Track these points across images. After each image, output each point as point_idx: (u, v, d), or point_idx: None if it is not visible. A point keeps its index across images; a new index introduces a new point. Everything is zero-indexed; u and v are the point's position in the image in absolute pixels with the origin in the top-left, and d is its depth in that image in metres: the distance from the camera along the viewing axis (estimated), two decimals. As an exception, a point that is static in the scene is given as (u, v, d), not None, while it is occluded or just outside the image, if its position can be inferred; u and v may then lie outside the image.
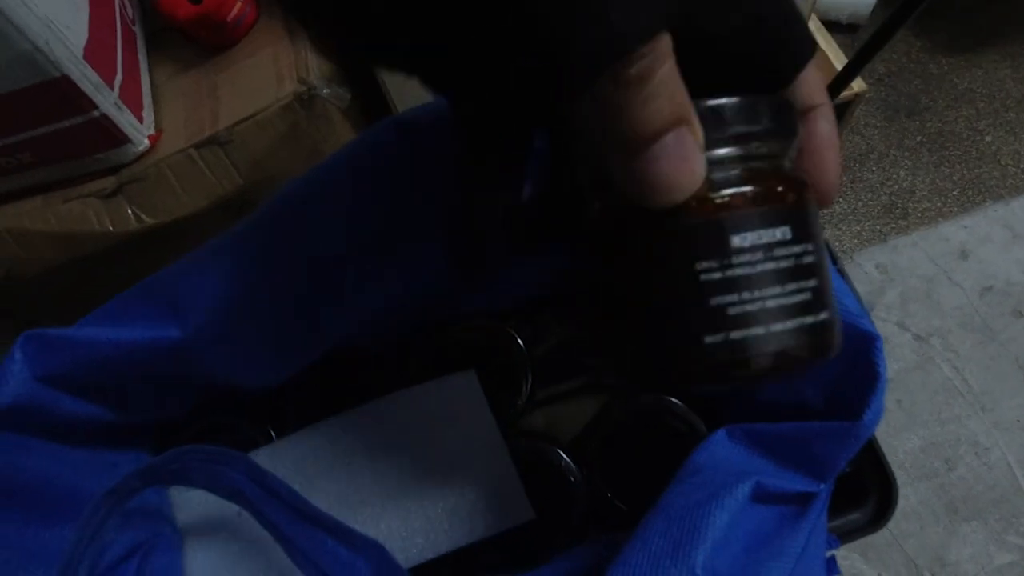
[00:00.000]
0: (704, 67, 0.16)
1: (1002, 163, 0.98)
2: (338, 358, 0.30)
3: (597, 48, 0.13)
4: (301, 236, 0.25)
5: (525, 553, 0.29)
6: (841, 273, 0.26)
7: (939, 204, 0.96)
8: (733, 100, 0.16)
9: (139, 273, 0.29)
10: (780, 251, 0.16)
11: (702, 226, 0.16)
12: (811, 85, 0.18)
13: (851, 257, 0.95)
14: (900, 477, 0.86)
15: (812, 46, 0.17)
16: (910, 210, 0.97)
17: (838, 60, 1.04)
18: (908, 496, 0.83)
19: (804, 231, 0.17)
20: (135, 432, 0.29)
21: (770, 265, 0.16)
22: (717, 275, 0.16)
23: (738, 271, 0.16)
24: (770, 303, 0.16)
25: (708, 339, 0.16)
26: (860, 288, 0.93)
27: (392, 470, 0.29)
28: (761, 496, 0.22)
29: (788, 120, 0.17)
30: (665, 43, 0.14)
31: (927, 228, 0.94)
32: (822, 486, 0.23)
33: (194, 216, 0.54)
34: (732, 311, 0.16)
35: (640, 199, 0.15)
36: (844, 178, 1.02)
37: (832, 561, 0.25)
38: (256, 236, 0.24)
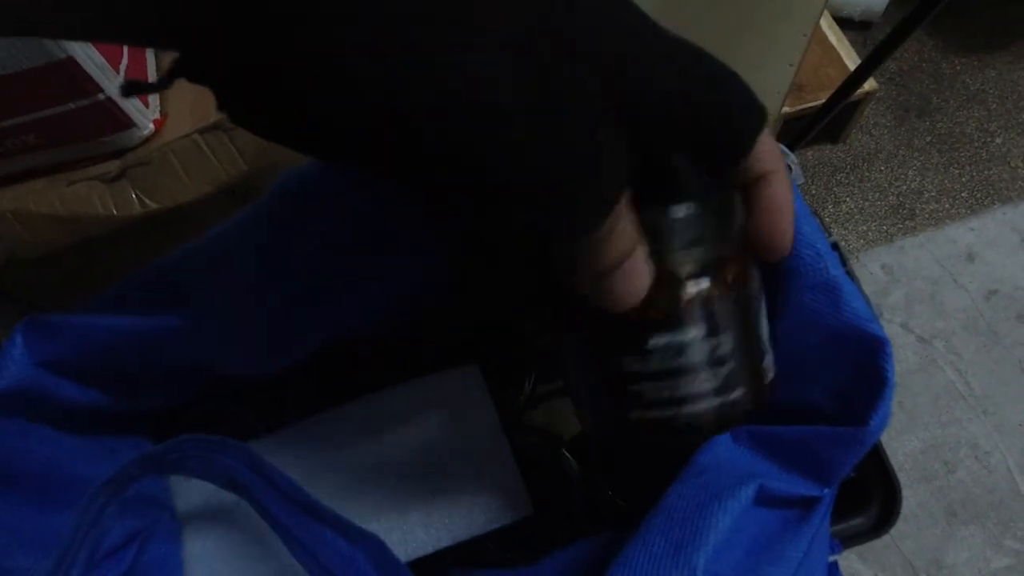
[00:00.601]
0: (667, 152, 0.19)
1: (1012, 165, 0.97)
2: (340, 349, 0.30)
3: (585, 217, 0.17)
4: (304, 225, 0.24)
5: (524, 548, 0.28)
6: (850, 275, 0.26)
7: (947, 206, 0.96)
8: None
9: (142, 257, 0.29)
10: (693, 348, 0.20)
11: (626, 328, 0.20)
12: (765, 152, 0.20)
13: (856, 257, 0.94)
14: (899, 479, 0.85)
15: (763, 117, 0.19)
16: (917, 211, 0.96)
17: (850, 58, 1.03)
18: (907, 498, 0.83)
19: (719, 325, 0.20)
20: (135, 419, 0.29)
21: (681, 360, 0.19)
22: (637, 367, 0.20)
23: (653, 365, 0.19)
24: (682, 391, 0.20)
25: (632, 415, 0.20)
26: (865, 289, 0.93)
27: (393, 463, 0.29)
28: (764, 499, 0.22)
29: (697, 229, 0.20)
30: (624, 199, 0.17)
31: (934, 230, 0.94)
32: (826, 491, 0.23)
33: (198, 201, 0.54)
34: (648, 396, 0.20)
35: (609, 306, 0.19)
36: (852, 177, 1.01)
37: (834, 566, 0.25)
38: (259, 225, 0.24)
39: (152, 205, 0.52)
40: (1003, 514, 0.82)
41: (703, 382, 0.20)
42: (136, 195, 0.51)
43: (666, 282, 0.19)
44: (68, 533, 0.21)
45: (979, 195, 0.95)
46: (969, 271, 0.92)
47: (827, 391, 0.25)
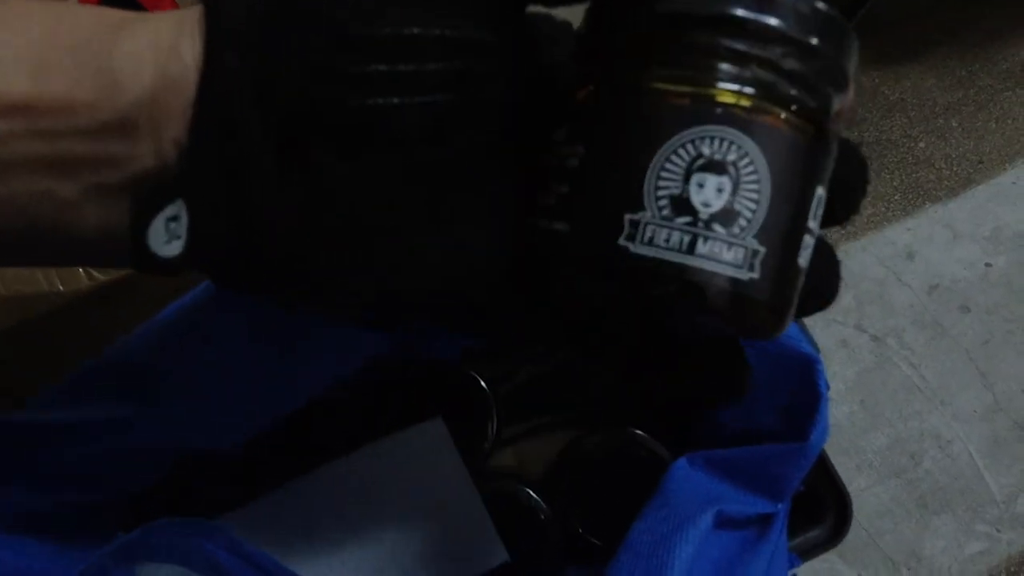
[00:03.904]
0: None
1: (936, 167, 1.03)
2: (305, 411, 0.31)
3: None
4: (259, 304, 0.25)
5: (503, 595, 0.29)
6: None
7: (883, 209, 1.01)
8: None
9: (90, 334, 0.28)
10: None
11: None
12: None
13: (806, 265, 0.98)
14: (871, 476, 0.87)
15: None
16: (857, 216, 1.01)
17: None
18: (880, 494, 0.85)
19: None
20: (99, 508, 0.29)
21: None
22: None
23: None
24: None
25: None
26: (816, 295, 0.96)
27: (365, 524, 0.29)
28: (723, 522, 0.23)
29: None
30: None
31: (874, 233, 0.98)
32: (780, 506, 0.25)
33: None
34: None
35: None
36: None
37: (795, 580, 0.26)
38: (220, 301, 0.25)
39: (100, 277, 0.51)
40: (970, 500, 0.84)
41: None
42: (83, 268, 0.50)
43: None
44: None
45: (911, 196, 1.01)
46: (910, 269, 0.97)
47: (771, 410, 0.26)
